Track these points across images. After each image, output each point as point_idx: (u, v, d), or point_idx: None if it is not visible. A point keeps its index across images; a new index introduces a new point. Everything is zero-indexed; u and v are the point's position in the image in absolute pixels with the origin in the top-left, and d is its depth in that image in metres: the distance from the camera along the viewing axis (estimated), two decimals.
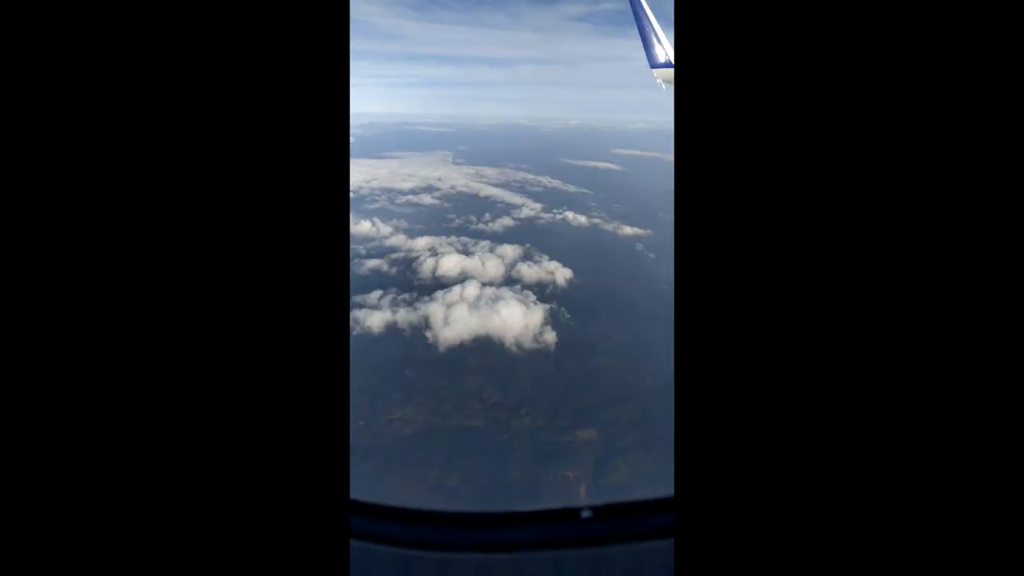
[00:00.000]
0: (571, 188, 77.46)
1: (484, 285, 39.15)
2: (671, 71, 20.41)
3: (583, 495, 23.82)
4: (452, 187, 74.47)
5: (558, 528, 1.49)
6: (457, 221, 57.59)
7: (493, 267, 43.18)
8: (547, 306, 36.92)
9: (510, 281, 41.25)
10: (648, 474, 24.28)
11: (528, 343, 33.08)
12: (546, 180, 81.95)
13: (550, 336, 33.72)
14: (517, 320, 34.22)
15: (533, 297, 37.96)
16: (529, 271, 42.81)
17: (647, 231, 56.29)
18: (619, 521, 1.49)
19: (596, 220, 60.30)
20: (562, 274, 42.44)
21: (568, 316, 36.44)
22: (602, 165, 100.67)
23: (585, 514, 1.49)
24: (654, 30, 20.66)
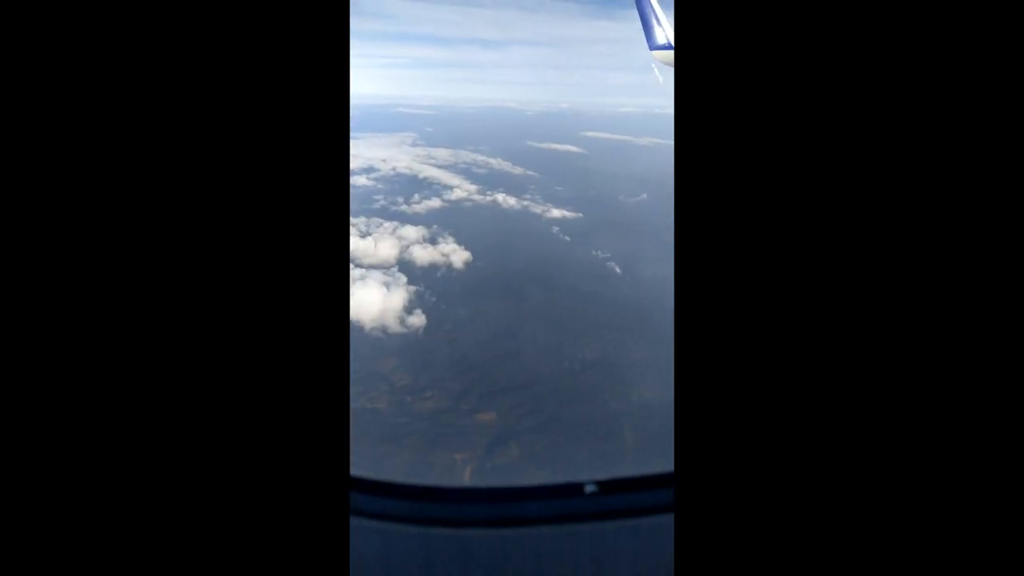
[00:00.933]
0: (518, 170, 76.10)
1: (360, 267, 38.01)
2: (670, 53, 20.23)
3: (467, 478, 23.50)
4: (393, 168, 72.86)
5: (557, 504, 1.48)
6: (382, 202, 56.34)
7: (386, 248, 42.09)
8: (414, 288, 35.88)
9: (400, 263, 40.17)
10: (538, 456, 24.11)
11: (394, 326, 32.08)
12: (496, 162, 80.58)
13: (418, 319, 32.72)
14: (374, 303, 33.14)
15: (404, 279, 36.89)
16: (423, 253, 41.74)
17: (578, 214, 55.27)
18: (619, 496, 1.48)
19: (527, 203, 59.19)
20: (460, 256, 41.41)
21: (435, 299, 35.41)
22: (564, 148, 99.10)
23: (589, 488, 1.49)
24: (654, 11, 20.43)
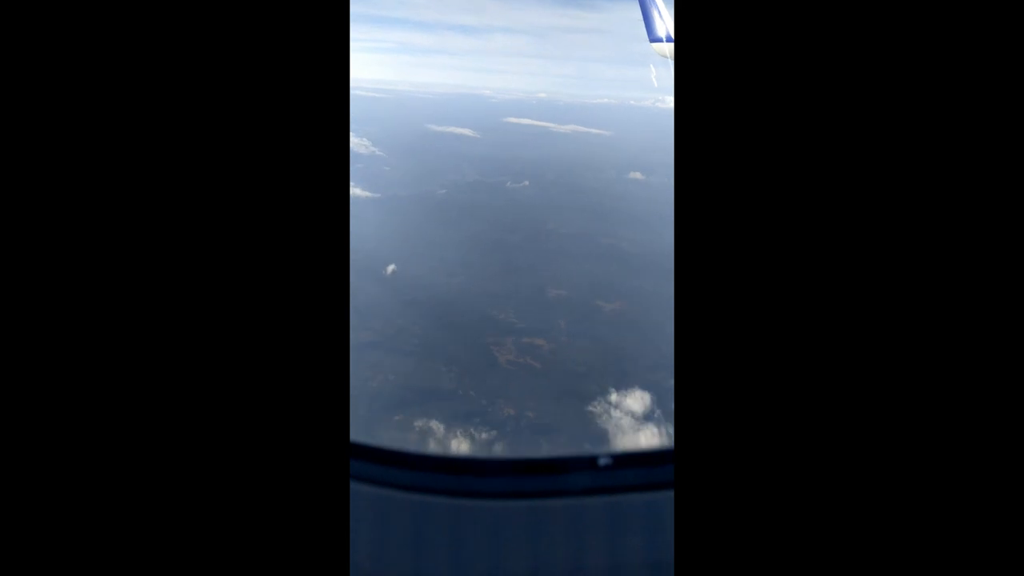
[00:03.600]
0: (376, 152, 76.11)
1: None
2: (670, 46, 20.48)
3: None
4: None
5: (558, 478, 1.50)
6: None
7: None
8: None
9: None
10: None
11: None
12: (361, 143, 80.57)
13: None
14: None
15: None
16: None
17: (375, 195, 55.12)
18: (619, 472, 1.51)
19: None
20: None
21: None
22: (457, 131, 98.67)
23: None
24: (655, 2, 20.51)
